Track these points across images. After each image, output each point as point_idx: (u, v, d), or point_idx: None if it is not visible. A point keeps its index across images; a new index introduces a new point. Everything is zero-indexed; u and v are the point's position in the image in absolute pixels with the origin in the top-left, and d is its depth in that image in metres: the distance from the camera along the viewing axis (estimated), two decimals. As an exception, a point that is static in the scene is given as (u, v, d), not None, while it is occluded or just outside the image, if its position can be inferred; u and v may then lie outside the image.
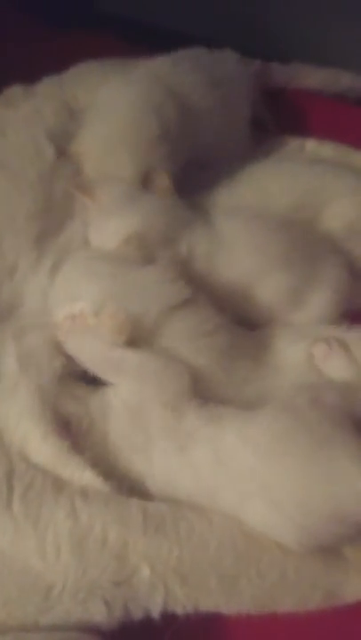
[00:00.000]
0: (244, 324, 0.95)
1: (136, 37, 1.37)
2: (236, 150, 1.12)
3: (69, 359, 0.85)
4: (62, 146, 1.03)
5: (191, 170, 1.07)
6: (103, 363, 0.84)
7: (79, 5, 1.50)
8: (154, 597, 0.74)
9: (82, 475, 0.77)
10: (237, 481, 0.76)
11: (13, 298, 0.90)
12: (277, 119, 1.24)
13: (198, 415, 0.80)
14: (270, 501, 0.73)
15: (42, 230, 0.95)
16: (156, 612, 0.75)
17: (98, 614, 0.73)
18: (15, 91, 1.12)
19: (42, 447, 0.78)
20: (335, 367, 0.88)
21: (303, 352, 0.91)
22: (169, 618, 0.75)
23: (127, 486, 0.79)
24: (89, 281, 0.88)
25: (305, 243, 0.99)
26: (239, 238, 0.96)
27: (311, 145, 1.22)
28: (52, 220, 0.97)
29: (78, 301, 0.86)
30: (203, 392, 0.84)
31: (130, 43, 1.36)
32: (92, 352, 0.84)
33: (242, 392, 0.87)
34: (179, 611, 0.76)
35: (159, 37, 1.35)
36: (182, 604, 0.75)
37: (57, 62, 1.19)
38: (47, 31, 1.41)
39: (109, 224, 0.93)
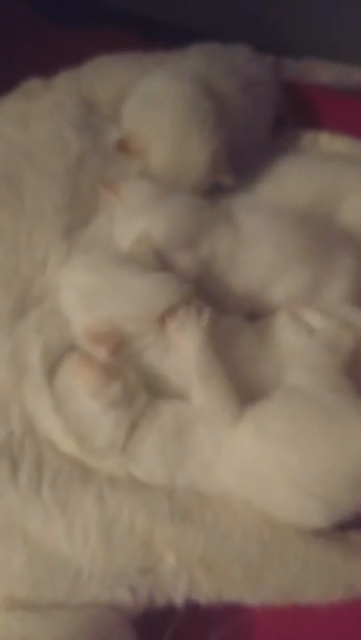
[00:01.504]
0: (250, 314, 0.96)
1: (145, 33, 1.38)
2: (258, 146, 1.12)
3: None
4: (85, 140, 1.03)
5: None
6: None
7: (88, 2, 1.51)
8: (178, 586, 0.75)
9: (107, 464, 0.78)
10: (263, 479, 0.76)
11: (44, 292, 0.89)
12: (290, 113, 1.24)
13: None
14: (295, 484, 0.74)
15: (70, 223, 0.95)
16: (179, 601, 0.76)
17: (124, 600, 0.75)
18: (34, 84, 1.12)
19: (66, 440, 0.79)
20: None
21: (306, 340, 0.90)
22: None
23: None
24: (84, 278, 0.87)
25: (322, 236, 0.99)
26: (261, 236, 0.95)
27: (324, 139, 1.22)
28: (79, 213, 0.97)
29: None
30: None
31: (139, 38, 1.36)
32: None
33: (247, 385, 0.86)
34: (202, 600, 0.77)
35: (168, 33, 1.36)
36: (206, 593, 0.76)
37: (69, 57, 1.19)
38: (57, 26, 1.42)
39: (134, 224, 0.92)
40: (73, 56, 1.19)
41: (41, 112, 1.05)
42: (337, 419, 0.76)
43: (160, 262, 0.89)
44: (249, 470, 0.76)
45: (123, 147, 1.00)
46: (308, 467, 0.74)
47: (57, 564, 0.73)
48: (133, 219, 0.93)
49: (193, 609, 0.77)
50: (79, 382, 0.79)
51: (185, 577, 0.75)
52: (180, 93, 1.03)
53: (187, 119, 1.01)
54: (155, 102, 1.03)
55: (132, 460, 0.79)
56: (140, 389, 0.81)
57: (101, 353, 0.81)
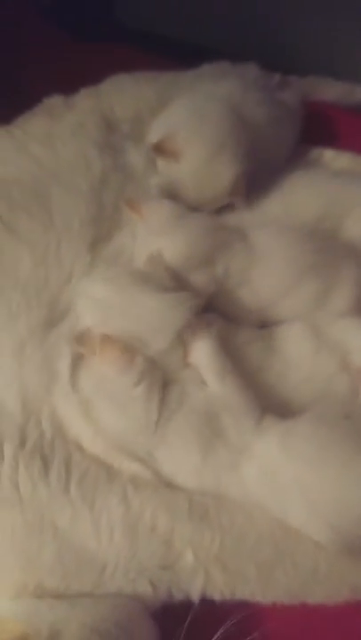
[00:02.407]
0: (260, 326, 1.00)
1: (156, 49, 1.43)
2: (274, 169, 1.16)
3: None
4: (107, 159, 1.08)
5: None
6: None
7: (102, 19, 1.56)
8: (195, 582, 0.79)
9: (130, 466, 0.82)
10: (280, 489, 0.79)
11: (70, 303, 0.92)
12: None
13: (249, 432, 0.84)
14: (309, 505, 0.77)
15: (95, 237, 0.99)
16: (195, 597, 0.79)
17: (144, 594, 0.78)
18: (56, 102, 1.17)
19: (93, 443, 0.83)
20: None
21: (311, 348, 0.95)
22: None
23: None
24: (102, 292, 0.91)
25: (328, 250, 1.03)
26: (272, 252, 1.00)
27: (329, 155, 1.26)
28: (103, 228, 1.01)
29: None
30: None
31: (150, 54, 1.42)
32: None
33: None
34: (217, 597, 0.80)
35: (177, 50, 1.42)
36: (221, 590, 0.80)
37: (85, 72, 1.24)
38: (74, 43, 1.47)
39: (154, 243, 0.96)
40: (89, 71, 1.24)
41: (65, 132, 1.10)
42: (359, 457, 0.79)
43: (173, 279, 0.93)
44: (268, 475, 0.80)
45: (159, 148, 1.05)
46: (321, 487, 0.77)
47: (84, 558, 0.77)
48: (154, 238, 0.97)
49: (207, 604, 0.80)
50: (105, 363, 0.83)
51: (202, 574, 0.79)
52: (222, 113, 1.09)
53: (225, 136, 1.06)
54: (198, 114, 1.09)
55: (161, 446, 0.82)
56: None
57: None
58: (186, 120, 1.09)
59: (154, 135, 1.10)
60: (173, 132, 1.07)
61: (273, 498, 0.80)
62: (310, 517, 0.78)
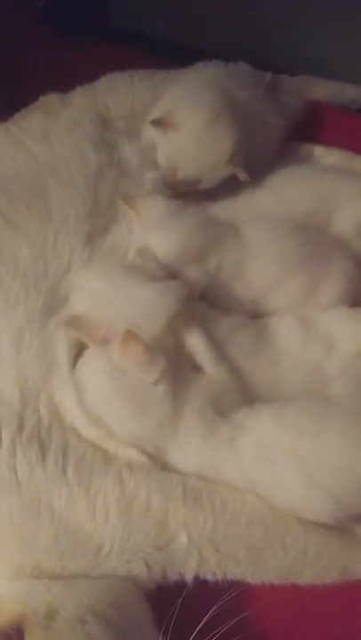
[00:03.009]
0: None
1: (150, 50, 1.45)
2: (262, 160, 1.19)
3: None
4: (102, 155, 1.10)
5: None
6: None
7: (97, 20, 1.58)
8: (189, 563, 0.81)
9: (125, 451, 0.84)
10: (277, 463, 0.81)
11: (69, 292, 0.95)
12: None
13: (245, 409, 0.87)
14: (309, 477, 0.80)
15: (91, 231, 1.02)
16: (189, 577, 0.82)
17: (139, 575, 0.81)
18: (52, 99, 1.19)
19: (89, 428, 0.85)
20: None
21: (300, 337, 0.98)
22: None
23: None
24: (95, 283, 0.93)
25: (317, 243, 1.06)
26: (264, 246, 1.03)
27: (319, 151, 1.30)
28: (99, 222, 1.04)
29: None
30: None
31: (144, 54, 1.44)
32: None
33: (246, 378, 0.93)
34: (209, 577, 0.82)
35: (170, 50, 1.44)
36: (213, 571, 0.82)
37: (80, 72, 1.27)
38: (69, 44, 1.49)
39: (148, 240, 0.99)
40: (84, 71, 1.27)
41: (61, 129, 1.12)
42: (357, 423, 0.81)
43: (162, 270, 0.96)
44: (264, 450, 0.82)
45: (157, 121, 1.08)
46: (320, 458, 0.80)
47: (80, 539, 0.79)
48: (149, 234, 1.00)
49: (199, 586, 0.82)
50: (127, 359, 0.84)
51: (195, 555, 0.81)
52: (215, 93, 1.12)
53: (219, 109, 1.09)
54: (193, 95, 1.12)
55: (172, 440, 0.84)
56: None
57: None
58: (182, 100, 1.12)
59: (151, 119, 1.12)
60: (171, 110, 1.10)
61: (270, 474, 0.82)
62: (309, 490, 0.80)
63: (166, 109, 1.11)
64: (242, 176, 1.09)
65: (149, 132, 1.14)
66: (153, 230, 1.00)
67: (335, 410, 0.83)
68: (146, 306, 0.90)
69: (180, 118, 1.08)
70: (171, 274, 0.97)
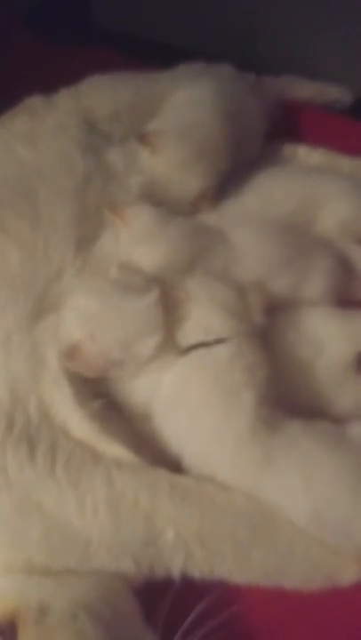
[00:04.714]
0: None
1: (132, 51, 1.46)
2: (247, 162, 1.21)
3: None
4: (89, 160, 1.10)
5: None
6: None
7: (80, 21, 1.59)
8: (176, 559, 0.83)
9: (112, 449, 0.86)
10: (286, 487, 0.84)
11: (59, 299, 0.95)
12: (272, 127, 1.31)
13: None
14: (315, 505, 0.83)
15: (81, 236, 1.02)
16: (176, 573, 0.83)
17: (128, 570, 0.82)
18: (36, 101, 1.20)
19: (79, 428, 0.86)
20: None
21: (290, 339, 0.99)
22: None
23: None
24: (85, 303, 0.93)
25: (302, 242, 1.09)
26: (251, 248, 1.04)
27: (303, 151, 1.31)
28: (89, 228, 1.04)
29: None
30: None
31: (126, 55, 1.45)
32: None
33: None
34: (196, 574, 0.83)
35: (153, 51, 1.46)
36: (200, 567, 0.83)
37: (63, 73, 1.27)
38: (52, 45, 1.51)
39: (137, 249, 1.00)
40: (67, 73, 1.27)
41: (48, 133, 1.13)
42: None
43: (147, 281, 0.95)
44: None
45: (141, 137, 1.10)
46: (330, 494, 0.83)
47: (69, 536, 0.80)
48: (137, 244, 1.01)
49: (187, 583, 0.83)
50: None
51: (182, 551, 0.83)
52: (212, 125, 1.14)
53: (205, 151, 1.12)
54: (189, 120, 1.14)
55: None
56: None
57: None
58: (176, 122, 1.14)
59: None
60: (162, 130, 1.12)
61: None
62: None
63: (158, 127, 1.13)
64: (206, 210, 1.12)
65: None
66: (141, 241, 1.01)
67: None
68: (138, 321, 0.90)
69: (163, 144, 1.10)
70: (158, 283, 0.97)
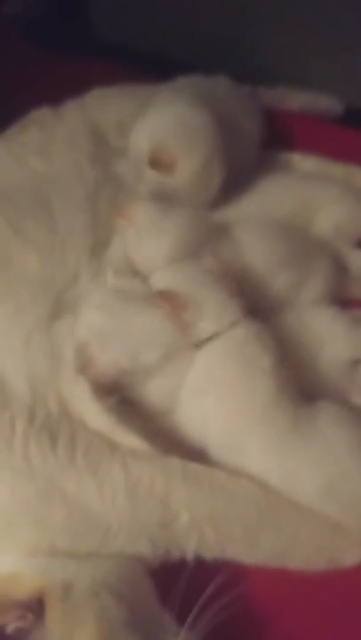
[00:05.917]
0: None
1: (132, 64, 1.51)
2: (245, 168, 1.26)
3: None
4: (99, 170, 1.16)
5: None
6: None
7: (80, 34, 1.63)
8: (190, 541, 0.87)
9: (127, 439, 0.91)
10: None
11: (76, 300, 1.01)
12: (267, 136, 1.37)
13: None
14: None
15: (95, 242, 1.08)
16: (190, 555, 0.88)
17: (145, 552, 0.87)
18: (44, 114, 1.26)
19: (96, 421, 0.91)
20: None
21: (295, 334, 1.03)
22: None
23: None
24: (98, 319, 0.97)
25: (301, 243, 1.14)
26: (254, 246, 1.09)
27: (297, 158, 1.37)
28: (101, 234, 1.10)
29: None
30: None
31: (126, 69, 1.49)
32: None
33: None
34: (208, 555, 0.88)
35: (154, 63, 1.51)
36: (212, 549, 0.88)
37: (67, 85, 1.32)
38: (55, 58, 1.55)
39: (142, 247, 1.05)
40: (68, 86, 1.32)
41: (58, 144, 1.19)
42: None
43: (145, 284, 1.00)
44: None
45: (155, 162, 1.12)
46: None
47: (90, 520, 0.85)
48: (143, 239, 1.05)
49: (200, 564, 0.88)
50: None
51: (196, 533, 0.87)
52: (207, 122, 1.16)
53: (213, 146, 1.14)
54: (183, 123, 1.15)
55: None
56: None
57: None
58: (173, 129, 1.15)
59: (139, 142, 1.15)
60: (163, 143, 1.13)
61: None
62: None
63: (156, 141, 1.13)
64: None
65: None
66: (146, 235, 1.05)
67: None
68: (147, 331, 0.95)
69: (175, 158, 1.11)
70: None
